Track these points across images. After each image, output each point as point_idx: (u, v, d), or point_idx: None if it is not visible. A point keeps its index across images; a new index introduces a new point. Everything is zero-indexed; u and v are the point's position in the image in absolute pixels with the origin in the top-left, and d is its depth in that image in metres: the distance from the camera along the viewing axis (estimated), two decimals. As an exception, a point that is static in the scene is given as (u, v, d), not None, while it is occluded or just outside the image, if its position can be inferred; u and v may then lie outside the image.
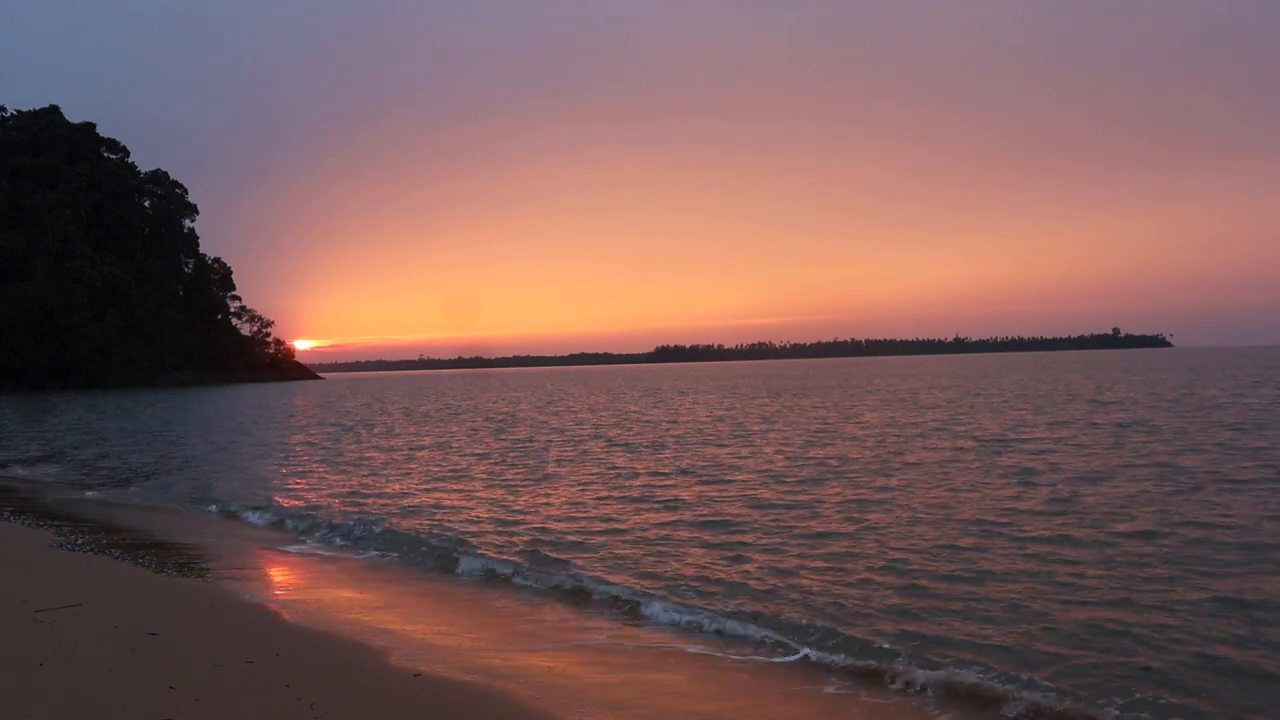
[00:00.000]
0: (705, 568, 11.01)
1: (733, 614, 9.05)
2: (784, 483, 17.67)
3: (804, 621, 8.69)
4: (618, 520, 14.35)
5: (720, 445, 25.79)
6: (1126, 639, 7.94)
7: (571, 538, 13.03)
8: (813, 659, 7.85)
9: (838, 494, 16.06)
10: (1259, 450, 20.01)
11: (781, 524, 13.46)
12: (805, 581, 10.16)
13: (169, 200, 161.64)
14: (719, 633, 8.66)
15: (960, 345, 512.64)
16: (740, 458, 22.39)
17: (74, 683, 6.69)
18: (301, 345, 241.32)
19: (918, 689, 7.07)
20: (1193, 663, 7.35)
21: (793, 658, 7.96)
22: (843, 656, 7.80)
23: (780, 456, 22.28)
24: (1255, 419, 27.77)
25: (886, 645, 7.95)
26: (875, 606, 9.14)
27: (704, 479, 18.71)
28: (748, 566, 11.01)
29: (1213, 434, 23.68)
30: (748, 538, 12.61)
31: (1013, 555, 11.02)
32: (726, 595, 9.75)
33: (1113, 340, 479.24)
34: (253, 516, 16.23)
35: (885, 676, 7.33)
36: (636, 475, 19.70)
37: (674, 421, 36.13)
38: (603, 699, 6.94)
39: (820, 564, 10.95)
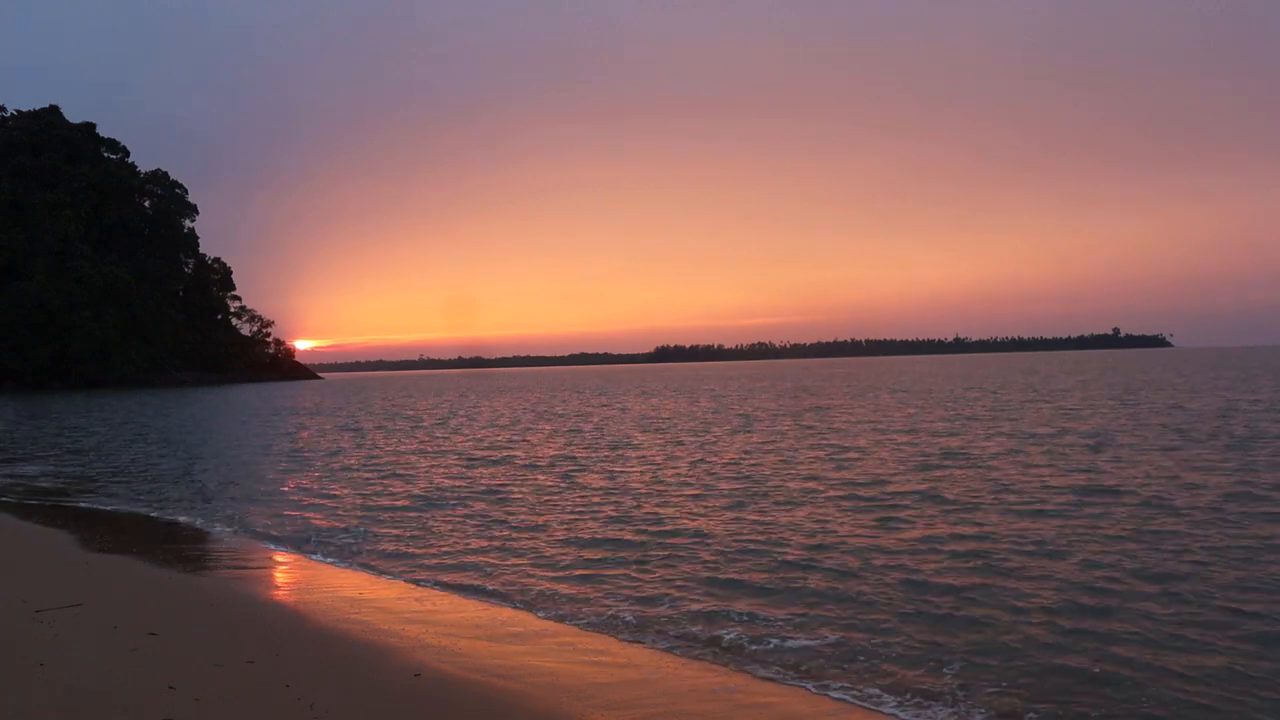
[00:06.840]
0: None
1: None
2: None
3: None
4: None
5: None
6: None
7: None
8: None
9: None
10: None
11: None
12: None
13: (169, 200, 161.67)
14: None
15: (960, 345, 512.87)
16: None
17: (74, 683, 6.68)
18: (301, 345, 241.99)
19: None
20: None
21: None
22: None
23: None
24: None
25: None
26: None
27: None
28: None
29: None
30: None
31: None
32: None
33: (1113, 340, 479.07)
34: (253, 519, 16.20)
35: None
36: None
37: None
38: (603, 699, 6.93)
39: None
